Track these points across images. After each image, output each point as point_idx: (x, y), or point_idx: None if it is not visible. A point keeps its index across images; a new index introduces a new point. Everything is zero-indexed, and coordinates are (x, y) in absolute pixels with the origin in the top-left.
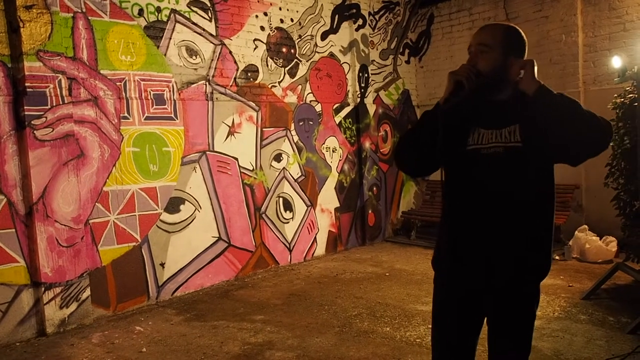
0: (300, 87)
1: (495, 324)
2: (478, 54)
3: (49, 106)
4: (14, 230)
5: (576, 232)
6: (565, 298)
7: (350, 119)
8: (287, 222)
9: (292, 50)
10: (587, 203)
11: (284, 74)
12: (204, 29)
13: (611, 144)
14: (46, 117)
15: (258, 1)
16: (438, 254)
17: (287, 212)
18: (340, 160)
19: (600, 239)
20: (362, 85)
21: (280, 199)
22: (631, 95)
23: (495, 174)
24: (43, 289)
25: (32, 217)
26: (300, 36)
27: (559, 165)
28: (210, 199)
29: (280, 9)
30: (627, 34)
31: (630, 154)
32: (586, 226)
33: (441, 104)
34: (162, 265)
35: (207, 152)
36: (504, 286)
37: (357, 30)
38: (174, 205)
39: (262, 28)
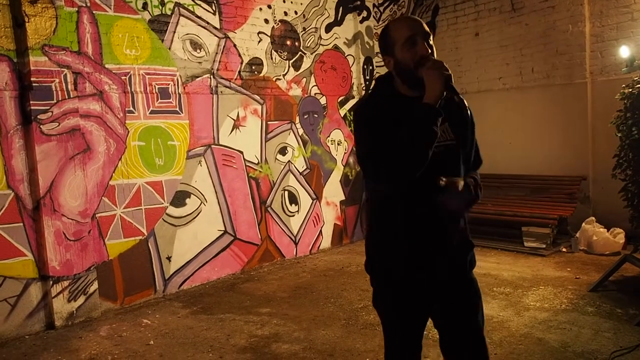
0: (304, 80)
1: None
2: (429, 44)
3: (55, 101)
4: (21, 224)
5: (583, 224)
6: (572, 290)
7: None
8: (293, 216)
9: (297, 43)
10: (594, 195)
11: (289, 66)
12: (208, 22)
13: (619, 134)
14: (52, 112)
15: None
16: (390, 256)
17: (293, 205)
18: (345, 153)
19: (607, 231)
20: (367, 77)
21: (286, 192)
22: (639, 85)
23: (439, 172)
24: (51, 282)
25: (39, 211)
26: (304, 29)
27: (566, 156)
28: (216, 192)
29: (284, 1)
30: (635, 24)
31: (638, 145)
32: (593, 218)
33: (432, 104)
34: (169, 258)
35: (212, 146)
36: (451, 276)
37: (361, 22)
38: (179, 199)
39: (266, 21)
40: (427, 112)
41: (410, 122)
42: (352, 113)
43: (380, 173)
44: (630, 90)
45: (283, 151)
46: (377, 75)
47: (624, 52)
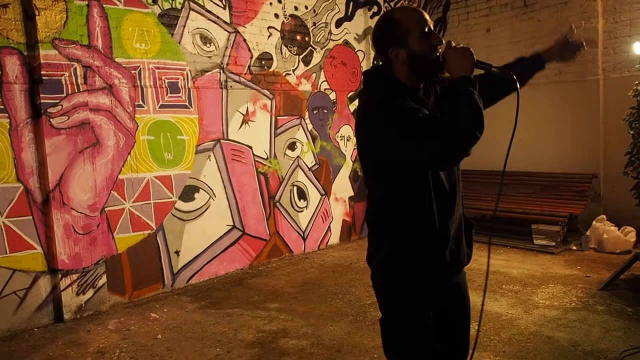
0: (314, 75)
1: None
2: None
3: (65, 94)
4: (31, 217)
5: (594, 222)
6: (582, 288)
7: None
8: (301, 211)
9: (307, 38)
10: (605, 192)
11: (298, 61)
12: (218, 17)
13: (631, 132)
14: (62, 105)
15: None
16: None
17: (301, 200)
18: (354, 148)
19: (618, 229)
20: None
21: (295, 188)
22: None
23: None
24: (60, 275)
25: (48, 204)
26: (314, 24)
27: (577, 153)
28: (225, 187)
29: None
30: None
31: None
32: (604, 216)
33: (469, 75)
34: (177, 253)
35: (222, 141)
36: None
37: (372, 17)
38: (188, 193)
39: (277, 15)
40: (470, 82)
41: (454, 94)
42: (366, 111)
43: (444, 149)
44: None
45: (292, 146)
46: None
47: (638, 48)
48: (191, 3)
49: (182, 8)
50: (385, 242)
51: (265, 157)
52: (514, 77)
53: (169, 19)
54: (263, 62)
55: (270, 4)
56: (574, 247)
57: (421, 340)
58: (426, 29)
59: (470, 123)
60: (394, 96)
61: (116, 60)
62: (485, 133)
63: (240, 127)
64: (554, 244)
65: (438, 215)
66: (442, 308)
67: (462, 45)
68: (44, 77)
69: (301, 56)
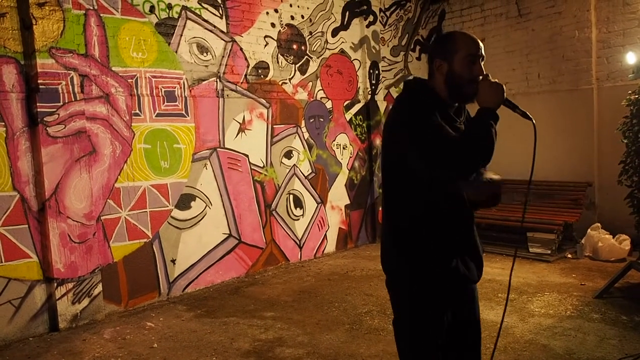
0: (310, 83)
1: None
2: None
3: (61, 103)
4: (27, 226)
5: (589, 230)
6: (577, 297)
7: (360, 116)
8: (298, 219)
9: (303, 47)
10: (600, 201)
11: (295, 70)
12: (214, 26)
13: (625, 141)
14: (58, 114)
15: None
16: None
17: (298, 209)
18: (350, 157)
19: (613, 237)
20: (373, 82)
21: (291, 196)
22: None
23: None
24: (55, 284)
25: (44, 213)
26: (310, 33)
27: (572, 162)
28: (221, 195)
29: (290, 5)
30: None
31: None
32: (599, 224)
33: (494, 110)
34: (173, 261)
35: (218, 149)
36: None
37: (367, 26)
38: (184, 201)
39: (273, 25)
40: (493, 116)
41: (476, 123)
42: (394, 114)
43: (453, 165)
44: (637, 96)
45: (288, 155)
46: (383, 80)
47: (631, 58)
48: (188, 12)
49: (179, 17)
50: (404, 248)
51: (261, 165)
52: (533, 121)
53: (166, 28)
54: (259, 71)
55: (267, 13)
56: (569, 255)
57: (433, 344)
58: (474, 56)
59: (481, 154)
60: (425, 109)
61: (113, 69)
62: None
63: (237, 135)
64: (549, 252)
65: (459, 224)
66: (454, 317)
67: (497, 80)
68: (40, 86)
69: (297, 65)
